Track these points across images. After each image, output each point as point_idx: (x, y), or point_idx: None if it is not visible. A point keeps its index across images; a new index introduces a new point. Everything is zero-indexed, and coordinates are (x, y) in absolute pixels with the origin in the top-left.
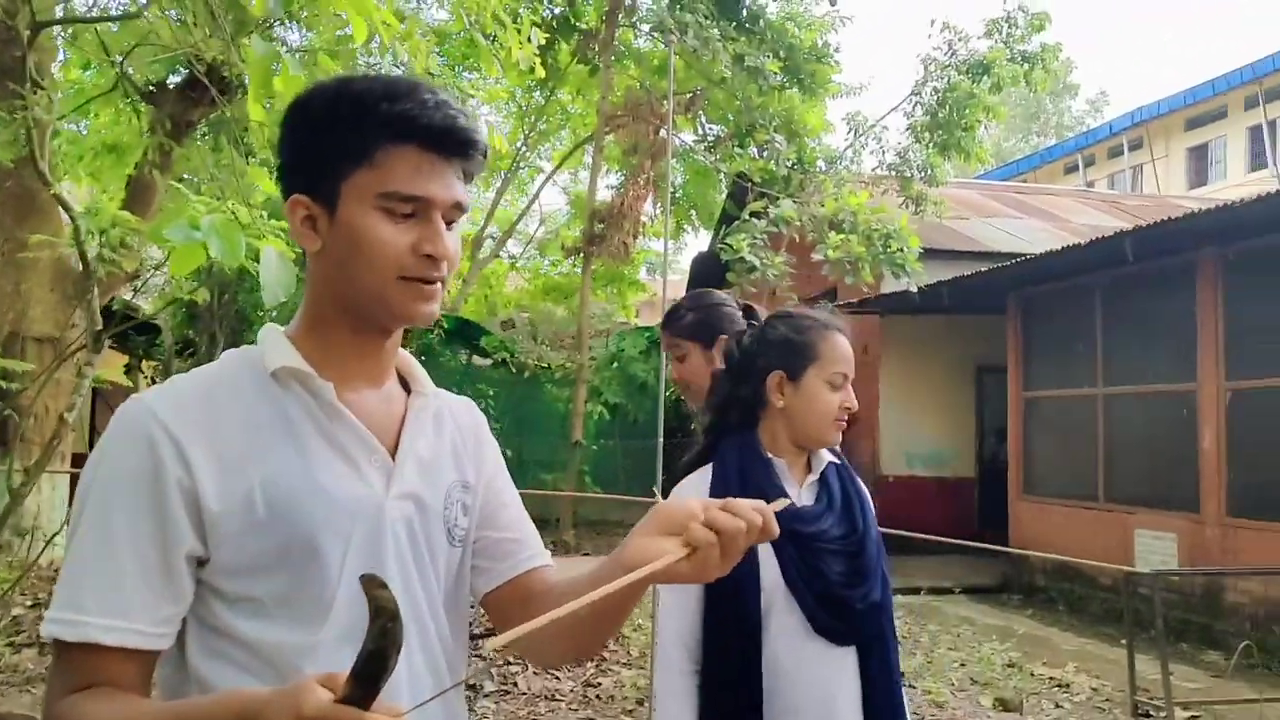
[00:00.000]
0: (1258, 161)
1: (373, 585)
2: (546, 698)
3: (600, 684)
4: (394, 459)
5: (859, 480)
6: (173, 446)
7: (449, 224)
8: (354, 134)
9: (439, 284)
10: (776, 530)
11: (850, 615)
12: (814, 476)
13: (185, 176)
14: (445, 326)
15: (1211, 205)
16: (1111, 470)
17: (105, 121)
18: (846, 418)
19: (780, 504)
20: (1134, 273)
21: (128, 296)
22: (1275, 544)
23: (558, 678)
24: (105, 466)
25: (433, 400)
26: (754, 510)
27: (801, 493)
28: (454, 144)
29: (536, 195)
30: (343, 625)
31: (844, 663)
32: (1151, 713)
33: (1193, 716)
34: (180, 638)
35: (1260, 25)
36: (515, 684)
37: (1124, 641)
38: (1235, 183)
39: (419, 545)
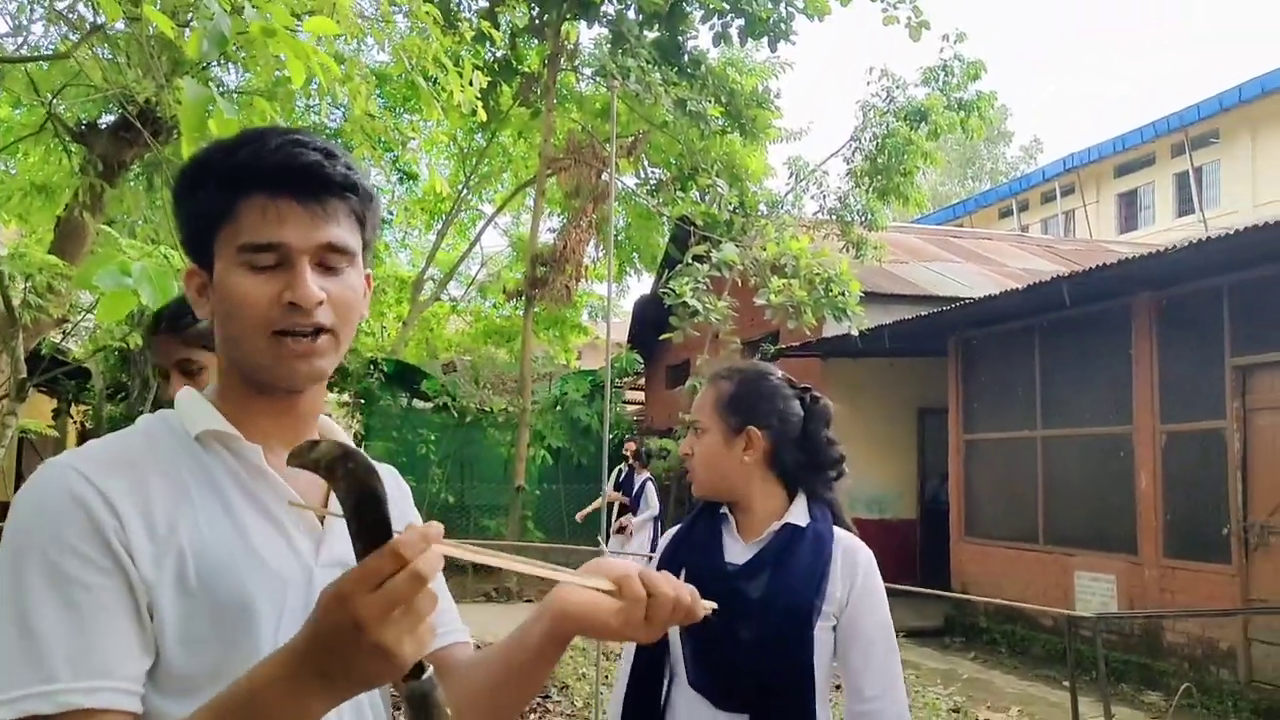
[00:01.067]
0: (1185, 207)
1: (303, 454)
2: None
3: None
4: (322, 524)
5: (831, 550)
6: (104, 503)
7: (330, 268)
8: (212, 193)
9: (320, 336)
10: (700, 614)
11: (734, 680)
12: (760, 537)
13: (119, 218)
14: (385, 370)
15: (1142, 250)
16: (1051, 512)
17: (35, 161)
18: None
19: (708, 606)
20: (1071, 316)
21: (56, 339)
22: (1211, 584)
23: None
24: (37, 529)
25: None
26: (683, 588)
27: (741, 550)
28: (302, 183)
29: (478, 238)
30: None
31: None
32: None
33: None
34: None
35: (1212, 42)
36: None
37: (1066, 684)
38: (1164, 228)
39: None
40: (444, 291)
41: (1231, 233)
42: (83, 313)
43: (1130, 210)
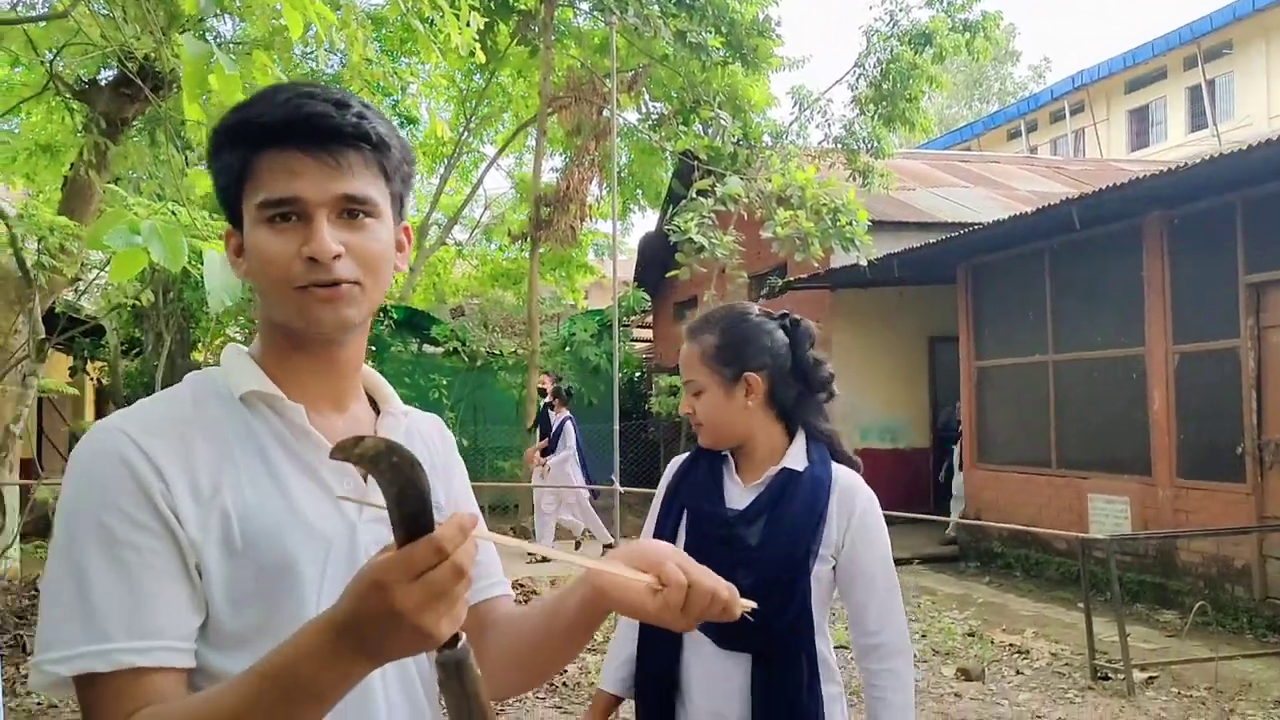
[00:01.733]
0: (1198, 122)
1: (348, 449)
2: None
3: (566, 671)
4: (365, 482)
5: (827, 493)
6: (150, 466)
7: (351, 221)
8: (231, 155)
9: (342, 285)
10: (737, 614)
11: (735, 623)
12: (759, 480)
13: (124, 175)
14: (394, 317)
15: (1154, 168)
16: (1064, 436)
17: (38, 121)
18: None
19: (746, 605)
20: (1081, 239)
21: (70, 298)
22: (1225, 503)
23: None
24: (88, 492)
25: (402, 419)
26: (722, 583)
27: (740, 493)
28: (311, 134)
29: (480, 180)
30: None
31: (736, 668)
32: (1110, 675)
33: (1150, 677)
34: None
35: None
36: None
37: (1081, 605)
38: (1176, 143)
39: None
40: (449, 236)
41: (1244, 148)
42: (94, 271)
43: (1141, 127)
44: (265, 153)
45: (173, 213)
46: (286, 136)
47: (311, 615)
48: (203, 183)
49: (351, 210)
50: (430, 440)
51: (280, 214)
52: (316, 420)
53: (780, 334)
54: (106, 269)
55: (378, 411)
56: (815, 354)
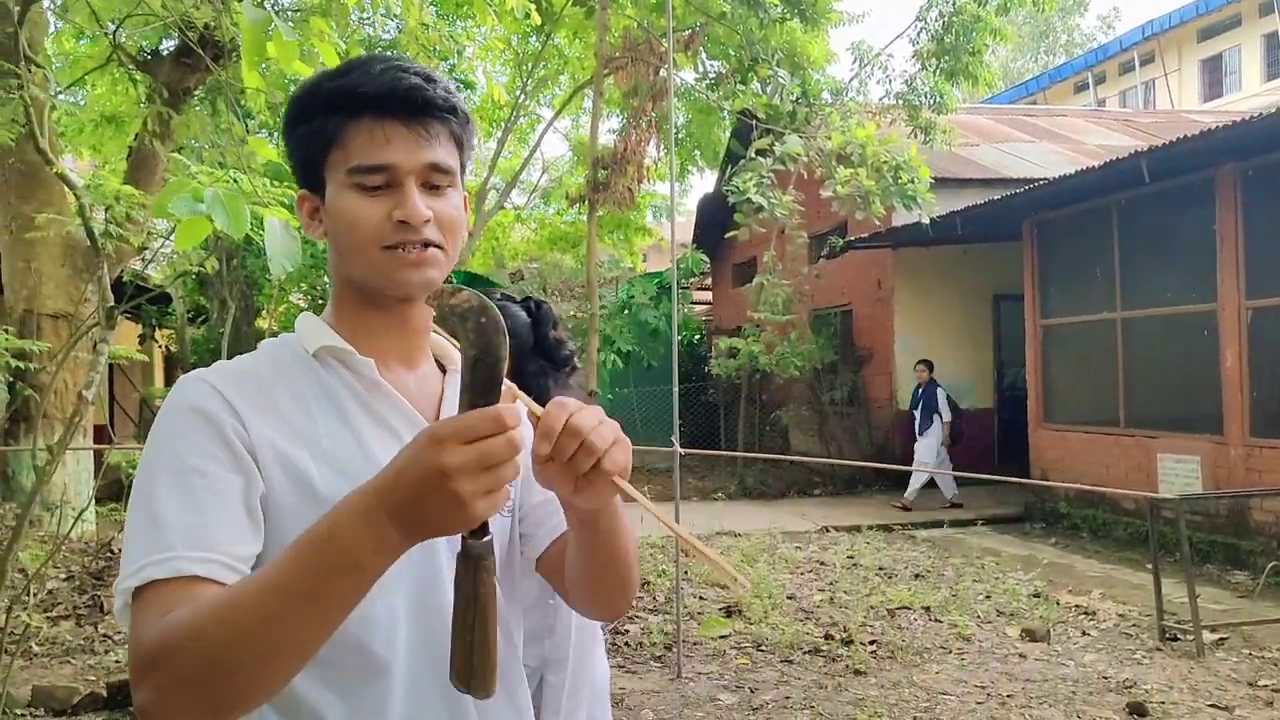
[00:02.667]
0: (1274, 70)
1: (443, 296)
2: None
3: (628, 631)
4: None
5: None
6: (227, 407)
7: (434, 187)
8: (319, 120)
9: (429, 249)
10: (612, 469)
11: None
12: None
13: (186, 144)
14: (454, 281)
15: (1227, 119)
16: (1132, 395)
17: (102, 93)
18: None
19: (621, 461)
20: (1151, 193)
21: (137, 267)
22: None
23: None
24: (166, 426)
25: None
26: (602, 431)
27: None
28: (406, 105)
29: (538, 143)
30: (396, 594)
31: None
32: (1179, 636)
33: (1221, 638)
34: None
35: None
36: None
37: (1149, 566)
38: (1251, 93)
39: None
40: (507, 200)
41: None
42: (160, 239)
43: (1214, 77)
44: (359, 120)
45: (234, 180)
46: (384, 106)
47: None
48: (263, 150)
49: (434, 179)
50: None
51: (371, 180)
52: (387, 375)
53: (524, 315)
54: (172, 237)
55: (444, 372)
56: (558, 335)
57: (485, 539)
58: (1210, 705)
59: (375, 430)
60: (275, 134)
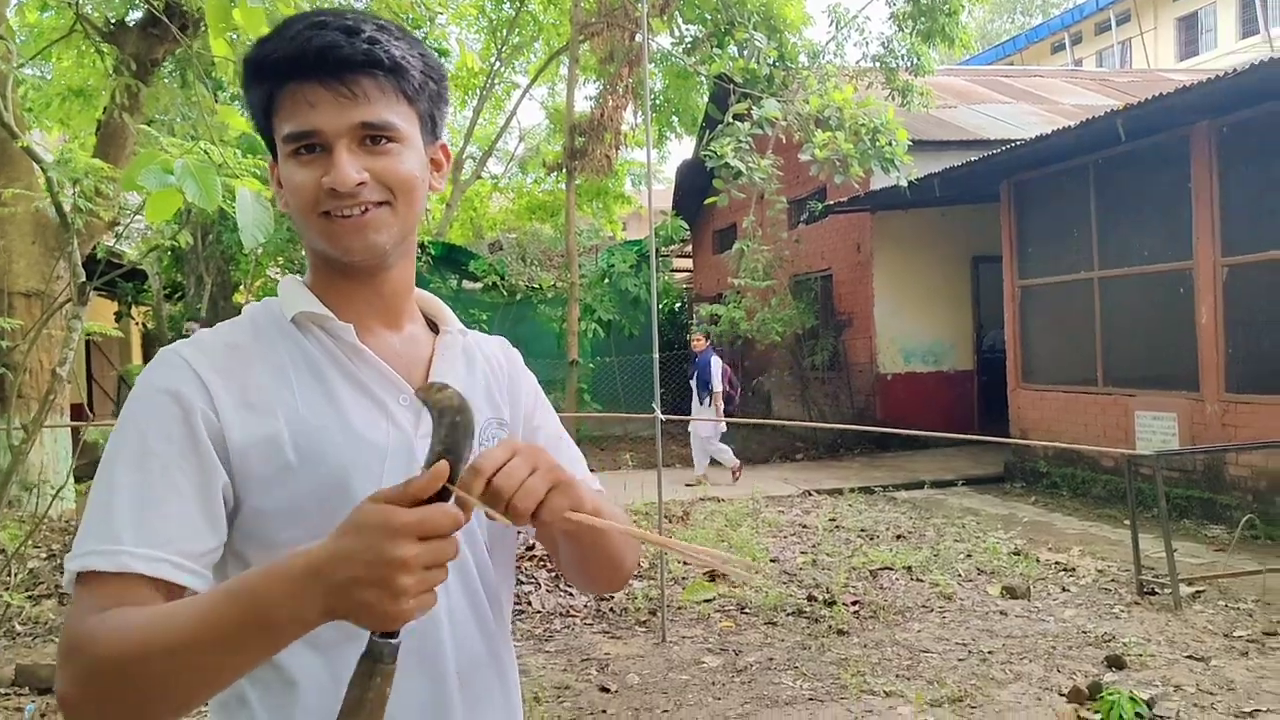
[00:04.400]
0: (1249, 28)
1: (430, 390)
2: (561, 614)
3: (613, 597)
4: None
5: None
6: (200, 386)
7: (374, 147)
8: (254, 91)
9: (369, 212)
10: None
11: None
12: None
13: (156, 117)
14: (432, 253)
15: (1203, 77)
16: (1110, 353)
17: (69, 66)
18: None
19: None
20: (1127, 152)
21: (110, 243)
22: (1275, 417)
23: (571, 594)
24: (135, 405)
25: (460, 338)
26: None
27: None
28: (321, 66)
29: (514, 112)
30: None
31: None
32: (1157, 590)
33: (1197, 591)
34: None
35: None
36: (529, 602)
37: (1127, 522)
38: (1227, 51)
39: None
40: (484, 169)
41: None
42: (132, 214)
43: (1190, 35)
44: (285, 87)
45: (205, 152)
46: (300, 70)
47: None
48: (234, 120)
49: (373, 137)
50: (493, 358)
51: (304, 146)
52: (370, 340)
53: None
54: (143, 212)
55: (437, 333)
56: None
57: (395, 641)
58: (1187, 656)
59: (356, 398)
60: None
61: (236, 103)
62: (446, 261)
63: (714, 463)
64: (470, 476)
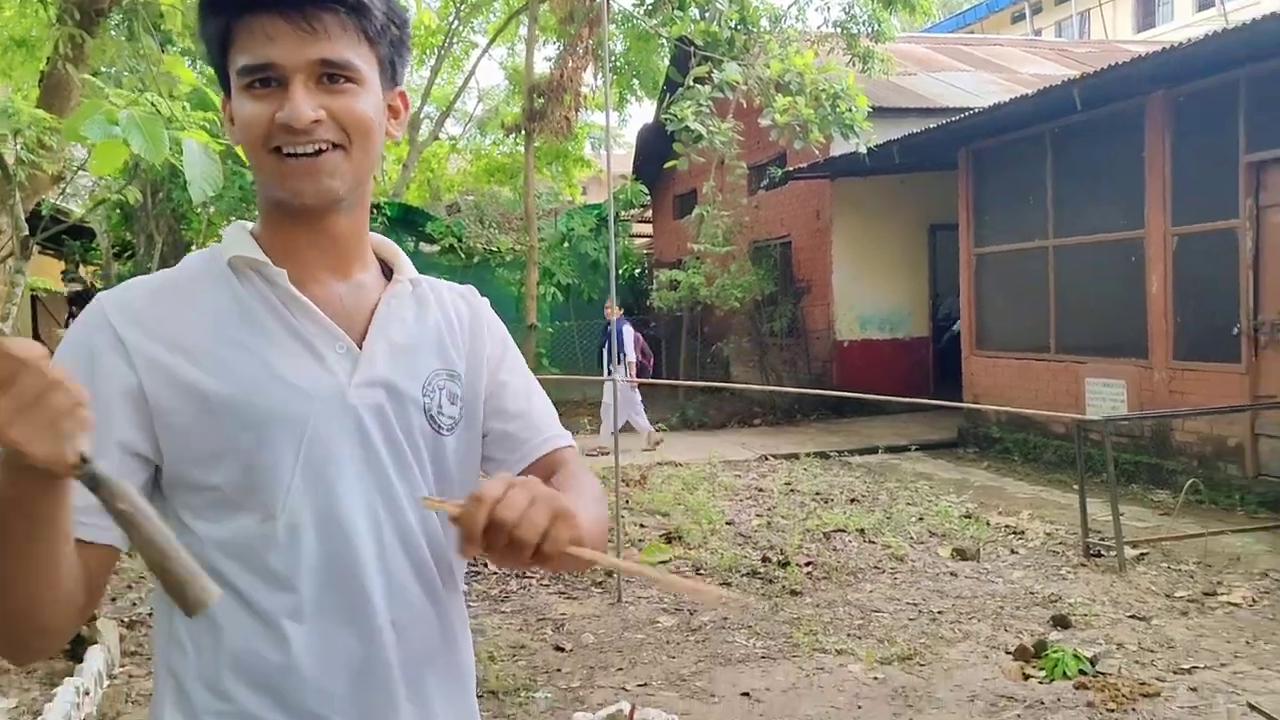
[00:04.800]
0: (1205, 1)
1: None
2: (517, 575)
3: None
4: (360, 349)
5: None
6: (114, 338)
7: (332, 86)
8: (211, 23)
9: (322, 155)
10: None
11: None
12: None
13: (103, 69)
14: (389, 214)
15: (1159, 47)
16: (1062, 321)
17: (11, 15)
18: None
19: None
20: (1083, 121)
21: (56, 200)
22: (1220, 384)
23: None
24: (56, 355)
25: (410, 286)
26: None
27: None
28: None
29: (472, 71)
30: (297, 513)
31: None
32: (1103, 552)
33: (1141, 553)
34: None
35: None
36: (485, 564)
37: (1076, 487)
38: (1184, 23)
39: (394, 434)
40: (442, 130)
41: (1247, 23)
42: (77, 169)
43: (1148, 7)
44: (243, 19)
45: (153, 104)
46: (259, 2)
47: (289, 477)
48: (181, 71)
49: (331, 75)
50: (450, 308)
51: (259, 79)
52: (313, 287)
53: None
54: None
55: (390, 280)
56: None
57: (86, 465)
58: (1130, 616)
59: (289, 343)
60: (196, 58)
61: (186, 56)
62: (403, 223)
63: (628, 428)
64: (473, 505)
